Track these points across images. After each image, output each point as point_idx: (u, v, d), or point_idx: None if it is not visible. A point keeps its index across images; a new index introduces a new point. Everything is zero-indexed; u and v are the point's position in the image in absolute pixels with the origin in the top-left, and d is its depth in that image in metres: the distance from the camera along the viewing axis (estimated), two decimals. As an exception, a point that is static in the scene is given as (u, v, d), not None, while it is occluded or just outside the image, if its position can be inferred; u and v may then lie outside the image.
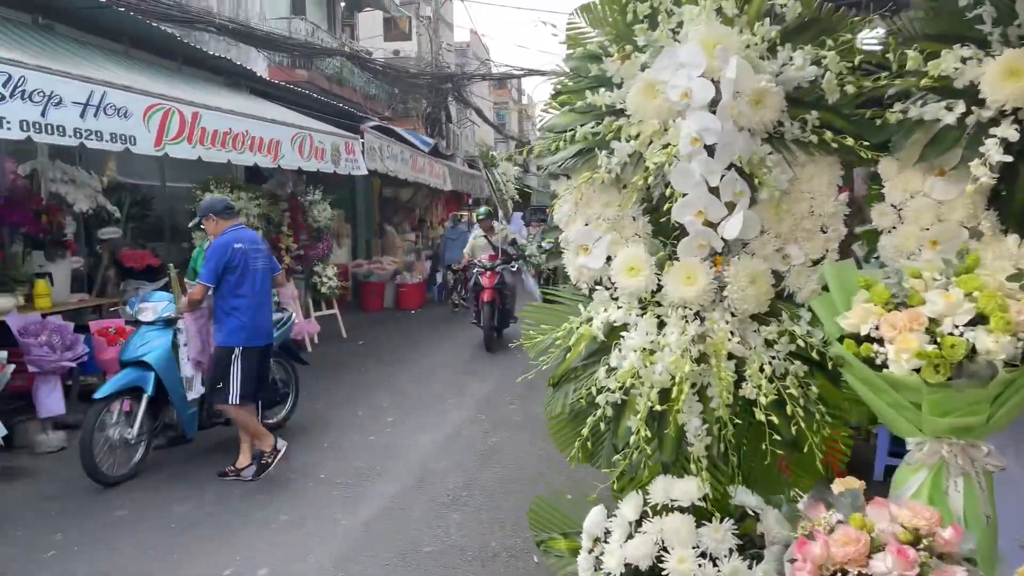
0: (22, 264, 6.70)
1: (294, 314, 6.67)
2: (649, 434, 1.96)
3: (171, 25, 9.64)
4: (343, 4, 19.45)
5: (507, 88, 42.55)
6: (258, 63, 13.85)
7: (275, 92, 10.75)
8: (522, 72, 21.43)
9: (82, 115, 5.39)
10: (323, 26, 17.19)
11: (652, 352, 2.06)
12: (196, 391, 5.29)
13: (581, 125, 2.23)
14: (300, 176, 10.09)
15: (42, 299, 6.33)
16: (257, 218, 8.79)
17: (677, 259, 2.08)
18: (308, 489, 4.86)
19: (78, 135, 5.35)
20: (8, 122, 4.84)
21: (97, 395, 4.92)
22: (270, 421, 6.06)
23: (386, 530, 4.24)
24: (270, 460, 5.13)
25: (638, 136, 2.13)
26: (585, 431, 2.10)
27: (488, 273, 9.77)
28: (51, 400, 5.75)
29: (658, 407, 1.98)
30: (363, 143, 10.22)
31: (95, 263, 7.86)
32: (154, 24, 8.16)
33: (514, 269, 10.56)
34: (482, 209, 10.98)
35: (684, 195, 2.01)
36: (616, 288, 2.16)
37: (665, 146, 2.09)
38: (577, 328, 2.20)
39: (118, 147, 5.77)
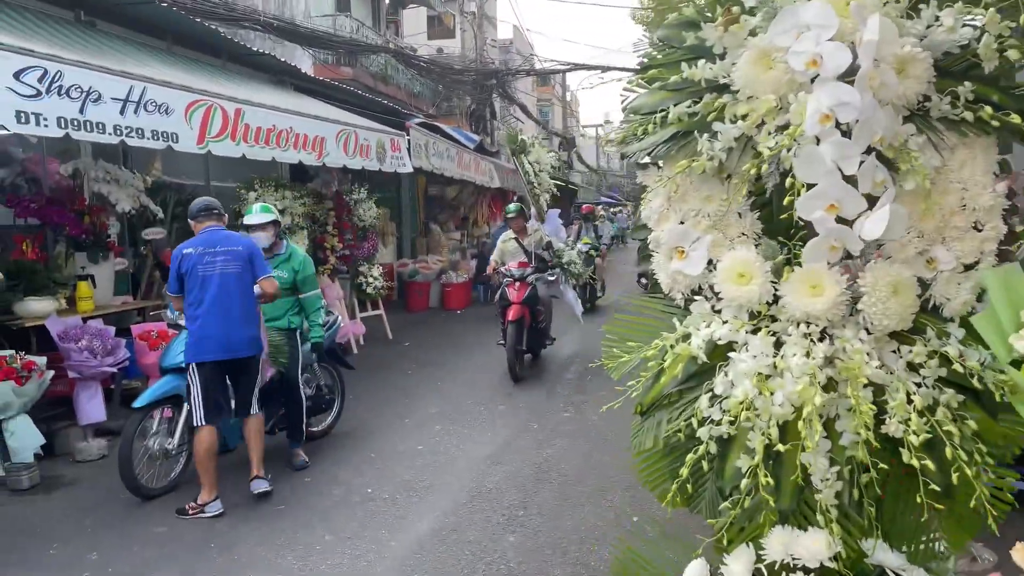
0: (65, 266, 6.58)
1: (340, 317, 6.42)
2: (770, 480, 1.60)
3: (215, 23, 9.50)
4: (387, 1, 19.28)
5: (550, 84, 42.14)
6: (303, 61, 13.72)
7: (320, 89, 10.57)
8: (568, 67, 21.07)
9: (122, 112, 5.20)
10: (367, 23, 17.02)
11: (767, 377, 1.70)
12: (238, 399, 5.04)
13: (675, 104, 1.88)
14: (345, 174, 9.88)
15: (84, 302, 6.17)
16: (302, 217, 8.59)
17: (798, 263, 1.72)
18: (354, 505, 4.58)
19: (118, 132, 5.17)
20: (45, 119, 4.66)
21: (136, 404, 4.71)
22: (315, 429, 5.83)
23: (438, 554, 3.93)
24: (189, 511, 4.45)
25: (747, 116, 1.77)
26: (684, 471, 1.74)
27: (517, 284, 7.92)
28: (91, 406, 5.58)
29: (780, 447, 1.61)
30: (409, 140, 9.97)
31: (139, 264, 7.74)
32: (197, 20, 7.99)
33: (551, 278, 8.67)
34: (512, 206, 8.80)
35: (810, 186, 1.64)
36: (719, 299, 1.80)
37: (782, 127, 1.73)
38: (672, 346, 1.85)
39: (160, 145, 5.58)
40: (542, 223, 8.92)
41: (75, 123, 4.83)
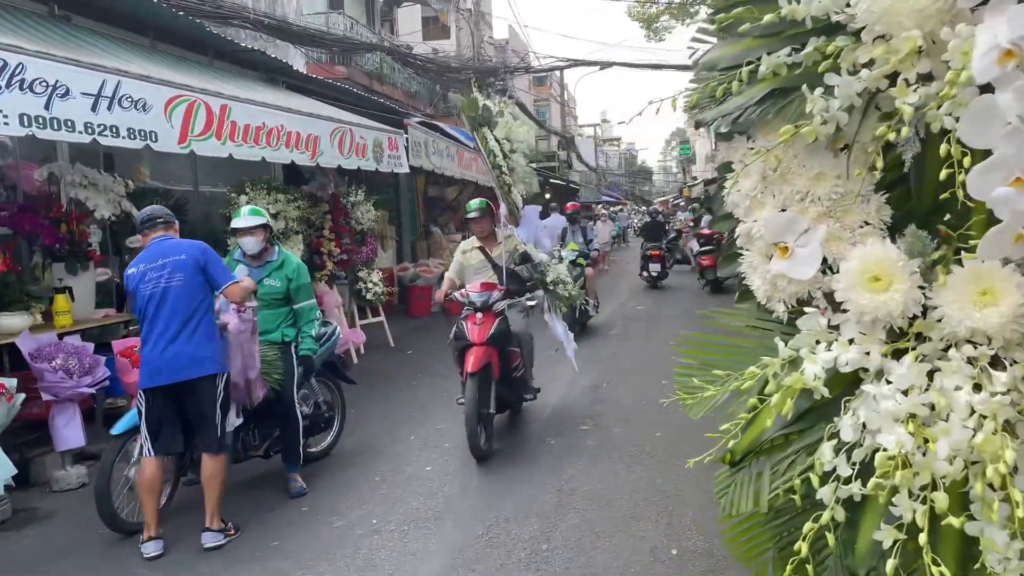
0: (42, 278, 6.12)
1: (338, 327, 5.95)
2: (945, 572, 1.14)
3: (202, 20, 9.04)
4: (382, -2, 18.85)
5: (547, 84, 41.77)
6: (296, 60, 13.26)
7: (314, 88, 10.10)
8: (567, 63, 20.65)
9: (94, 108, 4.75)
10: (361, 21, 16.58)
11: (914, 417, 1.24)
12: (231, 422, 4.55)
13: (768, 53, 1.42)
14: (342, 176, 9.43)
15: (61, 316, 5.70)
16: (296, 221, 8.13)
17: (956, 262, 1.26)
18: (358, 539, 4.10)
19: (89, 131, 4.72)
20: (6, 117, 4.22)
21: (115, 431, 4.25)
22: (314, 450, 5.37)
23: (453, 596, 3.47)
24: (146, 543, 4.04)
25: (872, 63, 1.32)
26: (803, 547, 1.28)
27: (479, 316, 5.44)
28: (69, 431, 5.11)
29: (954, 521, 1.15)
30: (407, 138, 9.52)
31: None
32: (180, 14, 7.53)
33: (531, 304, 6.11)
34: (473, 202, 6.28)
35: (975, 155, 1.18)
36: (842, 311, 1.35)
37: (925, 76, 1.28)
38: (776, 375, 1.39)
39: (137, 144, 5.13)
40: (516, 226, 6.18)
41: (40, 121, 4.38)
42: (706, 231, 16.35)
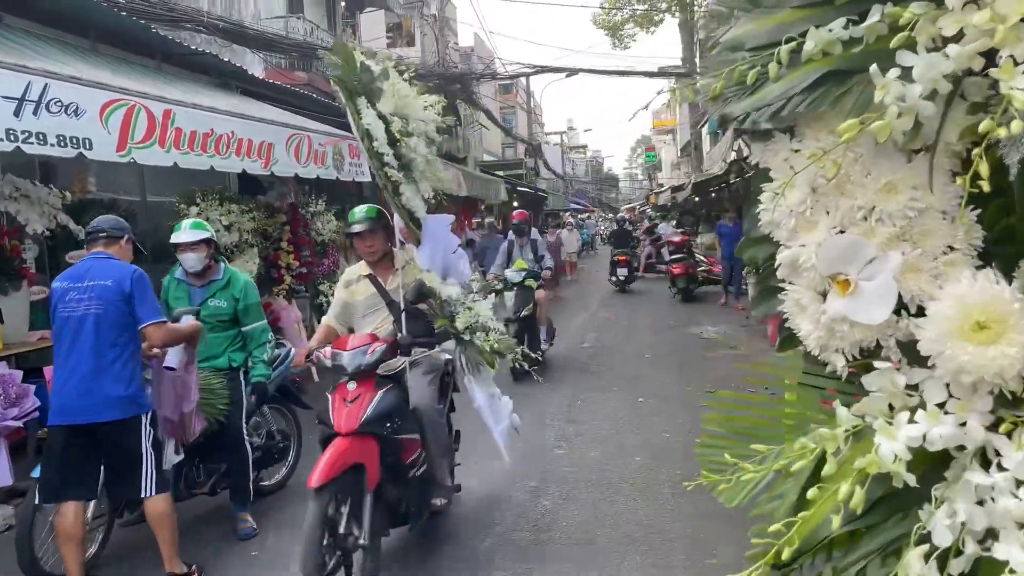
0: (-33, 299, 5.62)
1: (292, 349, 5.53)
2: None
3: (152, 23, 8.56)
4: (343, 3, 18.42)
5: (513, 92, 41.61)
6: (255, 66, 12.80)
7: (271, 93, 9.65)
8: (533, 69, 20.40)
9: (16, 113, 4.30)
10: (322, 26, 16.15)
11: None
12: (169, 459, 4.12)
13: (816, 27, 1.09)
14: (302, 185, 8.99)
15: (-11, 341, 5.24)
16: (252, 234, 7.68)
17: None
18: (312, 589, 3.70)
19: (12, 138, 4.27)
20: (-88, 123, 3.77)
21: (36, 473, 3.80)
22: (266, 483, 4.95)
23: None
24: None
25: (961, 36, 0.99)
26: None
27: (352, 386, 3.53)
28: (-6, 469, 4.64)
29: None
30: (370, 145, 9.10)
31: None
32: (123, 14, 7.07)
33: (446, 358, 4.17)
34: (359, 210, 4.25)
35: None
36: (929, 366, 1.01)
37: (1039, 52, 0.95)
38: (835, 453, 1.05)
39: (68, 152, 4.68)
40: (417, 244, 4.15)
41: (-48, 127, 3.93)
42: (675, 239, 16.19)
